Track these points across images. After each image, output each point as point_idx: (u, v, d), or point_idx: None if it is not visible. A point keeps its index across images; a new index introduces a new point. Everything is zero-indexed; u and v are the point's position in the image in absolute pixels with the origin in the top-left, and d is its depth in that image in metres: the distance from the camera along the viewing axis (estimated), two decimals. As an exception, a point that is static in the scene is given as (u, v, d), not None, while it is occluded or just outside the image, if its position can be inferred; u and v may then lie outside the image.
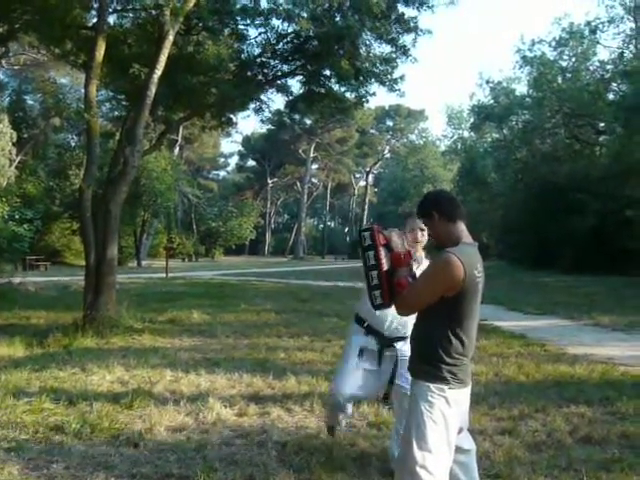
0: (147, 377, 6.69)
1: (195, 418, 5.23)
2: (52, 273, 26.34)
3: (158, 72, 10.89)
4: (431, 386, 2.79)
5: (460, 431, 2.93)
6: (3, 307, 13.10)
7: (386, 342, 4.15)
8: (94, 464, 4.15)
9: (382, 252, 2.91)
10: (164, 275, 25.93)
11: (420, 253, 4.05)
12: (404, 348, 4.03)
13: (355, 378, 4.15)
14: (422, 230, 3.97)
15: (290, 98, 16.21)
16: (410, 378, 3.09)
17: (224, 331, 10.39)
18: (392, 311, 3.16)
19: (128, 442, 4.59)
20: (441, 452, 2.76)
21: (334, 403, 4.30)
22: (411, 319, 3.25)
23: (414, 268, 3.07)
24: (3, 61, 30.20)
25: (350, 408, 4.53)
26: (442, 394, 2.78)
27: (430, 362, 2.82)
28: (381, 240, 2.93)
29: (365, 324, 4.22)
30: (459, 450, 2.94)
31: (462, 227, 2.90)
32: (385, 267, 2.89)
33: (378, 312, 3.68)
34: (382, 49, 14.45)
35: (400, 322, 4.04)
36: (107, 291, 10.54)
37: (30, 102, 42.51)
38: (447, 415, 2.77)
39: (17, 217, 25.08)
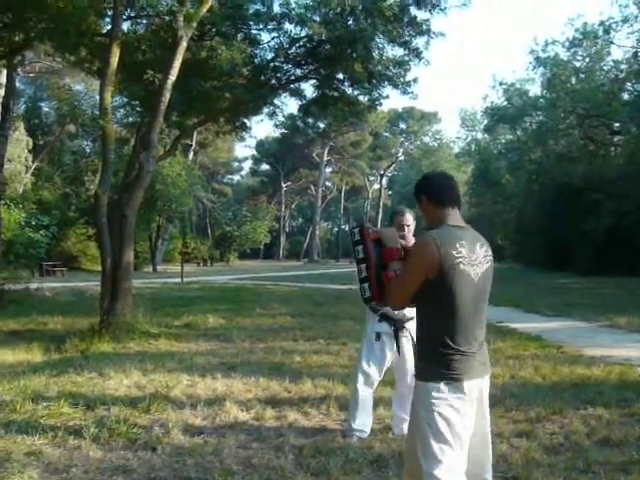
0: (164, 381, 6.69)
1: (212, 422, 5.24)
2: (69, 279, 26.47)
3: (172, 78, 10.95)
4: (428, 384, 2.73)
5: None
6: (21, 313, 13.24)
7: (398, 325, 4.55)
8: (112, 468, 4.18)
9: (370, 246, 2.99)
10: (179, 280, 25.98)
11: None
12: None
13: (375, 356, 4.72)
14: (408, 226, 4.48)
15: (303, 102, 16.30)
16: None
17: (240, 335, 10.39)
18: None
19: (146, 446, 4.60)
20: (450, 454, 2.68)
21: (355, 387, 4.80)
22: None
23: None
24: (19, 69, 30.44)
25: (368, 426, 4.87)
26: (440, 394, 2.70)
27: (426, 358, 2.79)
28: (371, 236, 3.01)
29: (379, 312, 4.57)
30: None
31: (450, 212, 2.86)
32: (373, 260, 2.95)
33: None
34: (395, 52, 14.57)
35: None
36: (123, 296, 10.60)
37: (45, 109, 43.01)
38: (446, 414, 2.69)
39: (33, 223, 25.39)
